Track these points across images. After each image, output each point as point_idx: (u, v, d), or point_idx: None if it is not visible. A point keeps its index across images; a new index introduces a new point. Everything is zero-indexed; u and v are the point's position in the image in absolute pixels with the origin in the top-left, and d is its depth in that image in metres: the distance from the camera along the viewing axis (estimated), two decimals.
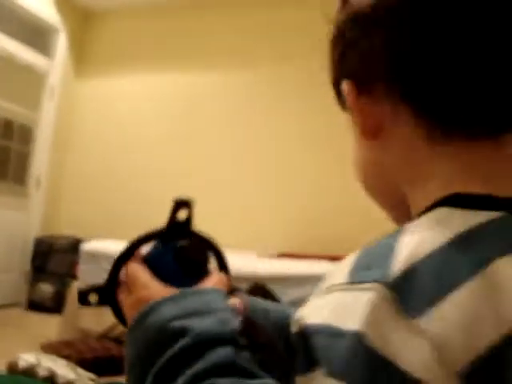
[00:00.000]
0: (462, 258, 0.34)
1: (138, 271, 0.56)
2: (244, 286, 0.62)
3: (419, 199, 0.46)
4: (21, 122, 4.79)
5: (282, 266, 3.12)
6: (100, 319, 3.06)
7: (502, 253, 0.34)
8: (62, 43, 5.08)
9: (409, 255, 0.35)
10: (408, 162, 0.47)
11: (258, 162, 4.47)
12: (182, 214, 0.61)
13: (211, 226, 4.51)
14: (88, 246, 3.65)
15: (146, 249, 0.61)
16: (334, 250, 3.57)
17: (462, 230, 0.36)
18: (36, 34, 4.85)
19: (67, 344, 2.59)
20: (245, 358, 0.43)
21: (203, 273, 0.59)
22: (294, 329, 0.40)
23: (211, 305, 0.48)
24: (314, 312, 0.39)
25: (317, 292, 0.41)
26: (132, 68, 5.09)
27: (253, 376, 0.42)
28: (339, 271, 0.39)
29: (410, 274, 0.34)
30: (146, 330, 0.47)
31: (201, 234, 0.63)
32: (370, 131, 0.48)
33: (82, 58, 5.34)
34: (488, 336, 0.31)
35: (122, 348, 0.52)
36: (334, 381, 0.34)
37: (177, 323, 0.46)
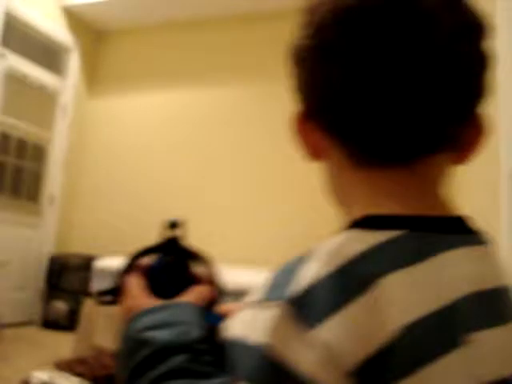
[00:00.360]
0: (356, 276, 0.40)
1: (132, 283, 0.65)
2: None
3: (351, 215, 0.52)
4: (34, 141, 4.84)
5: None
6: (114, 336, 3.06)
7: (390, 269, 0.41)
8: (74, 63, 5.15)
9: (309, 276, 0.41)
10: (340, 185, 0.55)
11: (265, 176, 4.47)
12: (177, 232, 0.70)
13: (223, 238, 4.48)
14: (100, 263, 3.67)
15: (150, 259, 0.70)
16: None
17: (360, 250, 0.42)
18: (49, 54, 4.92)
19: (80, 361, 2.58)
20: (203, 361, 0.50)
21: (188, 284, 0.66)
22: (222, 337, 0.47)
23: (178, 318, 0.56)
24: (234, 324, 0.45)
25: (242, 306, 0.47)
26: (144, 86, 5.14)
27: (208, 376, 0.48)
28: (258, 288, 0.45)
29: (308, 293, 0.40)
30: (126, 337, 0.56)
31: (192, 248, 0.71)
32: (311, 154, 0.56)
33: (94, 77, 5.40)
34: (374, 342, 0.38)
35: None
36: None
37: (146, 334, 0.54)
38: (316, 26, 0.51)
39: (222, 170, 4.64)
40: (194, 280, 0.68)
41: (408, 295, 0.40)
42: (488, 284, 0.46)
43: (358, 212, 0.50)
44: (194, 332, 0.53)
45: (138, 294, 0.63)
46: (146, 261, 0.69)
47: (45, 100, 4.92)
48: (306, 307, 0.39)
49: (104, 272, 3.58)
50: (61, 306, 4.64)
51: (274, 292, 0.42)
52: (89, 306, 3.48)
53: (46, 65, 4.87)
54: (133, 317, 0.58)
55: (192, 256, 0.70)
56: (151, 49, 5.18)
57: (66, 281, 4.67)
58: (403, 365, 0.38)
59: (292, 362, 0.38)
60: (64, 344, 3.78)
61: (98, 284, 3.57)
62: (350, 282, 0.40)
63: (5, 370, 3.03)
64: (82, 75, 5.26)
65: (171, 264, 0.69)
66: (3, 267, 4.06)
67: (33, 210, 4.88)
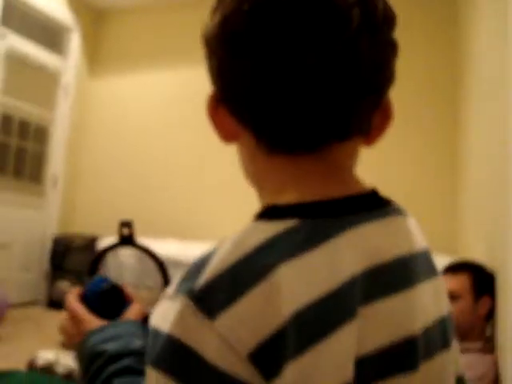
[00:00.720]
0: (252, 268, 0.43)
1: (76, 309, 0.75)
2: None
3: (263, 201, 0.56)
4: (36, 121, 4.82)
5: None
6: None
7: (284, 258, 0.43)
8: (75, 42, 5.10)
9: (212, 269, 0.44)
10: (253, 169, 0.57)
11: None
12: (126, 231, 0.91)
13: (223, 216, 4.47)
14: (104, 243, 3.68)
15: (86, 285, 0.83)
16: None
17: (258, 242, 0.45)
18: (49, 34, 4.88)
19: None
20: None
21: (122, 305, 0.81)
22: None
23: (122, 332, 0.68)
24: (153, 315, 0.49)
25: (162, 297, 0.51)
26: (145, 66, 5.10)
27: None
28: (175, 280, 0.48)
29: (208, 287, 0.43)
30: (82, 353, 0.69)
31: (143, 246, 0.88)
32: (224, 137, 0.56)
33: (95, 57, 5.37)
34: (266, 329, 0.41)
35: None
36: (154, 371, 0.44)
37: (98, 347, 0.66)
38: (223, 14, 0.52)
39: (222, 147, 4.61)
40: (125, 300, 0.83)
41: (299, 282, 0.43)
42: (388, 255, 0.48)
43: (267, 198, 0.55)
44: (138, 341, 0.67)
45: (84, 317, 0.74)
46: (81, 289, 0.82)
47: (46, 80, 4.89)
48: (207, 300, 0.43)
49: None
50: (65, 287, 4.67)
51: (183, 285, 0.45)
52: None
53: (46, 45, 4.83)
54: (86, 336, 0.70)
55: (146, 252, 0.88)
56: (152, 28, 5.13)
57: (69, 261, 4.69)
58: (294, 346, 0.41)
59: (194, 349, 0.42)
60: None
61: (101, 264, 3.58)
62: (246, 273, 0.43)
63: (11, 349, 3.06)
64: (82, 55, 5.22)
65: (104, 291, 0.81)
66: (7, 248, 4.08)
67: (36, 191, 4.89)
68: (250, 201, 5.00)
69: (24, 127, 4.71)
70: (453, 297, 1.77)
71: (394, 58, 0.53)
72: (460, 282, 1.80)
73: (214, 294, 0.43)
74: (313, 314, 0.42)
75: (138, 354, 0.64)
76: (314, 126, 0.50)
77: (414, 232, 0.54)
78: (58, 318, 4.29)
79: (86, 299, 0.79)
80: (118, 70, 5.25)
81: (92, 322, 0.73)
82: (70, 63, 5.07)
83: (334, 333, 0.43)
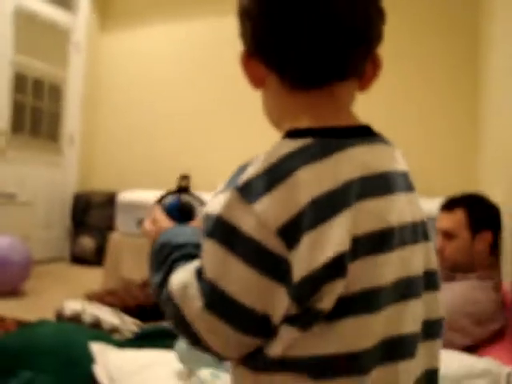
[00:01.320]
0: (279, 170, 0.60)
1: (157, 214, 0.97)
2: None
3: (284, 129, 0.70)
4: (50, 80, 4.81)
5: None
6: (141, 268, 3.14)
7: (302, 164, 0.61)
8: None
9: (250, 172, 0.61)
10: (275, 107, 0.75)
11: None
12: (184, 183, 1.23)
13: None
14: (123, 197, 3.72)
15: (168, 200, 1.10)
16: None
17: (284, 153, 0.62)
18: None
19: (110, 293, 2.65)
20: None
21: (192, 217, 1.07)
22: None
23: (188, 231, 0.85)
24: (208, 205, 0.66)
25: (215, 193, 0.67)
26: (156, 18, 5.02)
27: None
28: (225, 181, 0.65)
29: (250, 183, 0.60)
30: (154, 247, 0.84)
31: (195, 194, 1.15)
32: (254, 84, 0.75)
33: (106, 11, 5.29)
34: (291, 210, 0.58)
35: None
36: (207, 242, 0.63)
37: (167, 239, 0.81)
38: None
39: (238, 96, 4.56)
40: (192, 215, 1.08)
41: (313, 180, 0.60)
42: (376, 169, 0.65)
43: (287, 126, 0.70)
44: (199, 239, 0.74)
45: (162, 220, 0.93)
46: (168, 200, 1.10)
47: (57, 38, 4.85)
48: (247, 191, 0.60)
49: (127, 206, 3.63)
50: (87, 242, 4.76)
51: (230, 183, 0.63)
52: (115, 241, 3.56)
53: (55, 1, 4.76)
54: (161, 233, 0.86)
55: (196, 198, 1.12)
56: None
57: (90, 217, 4.76)
58: (310, 223, 0.58)
59: (236, 225, 0.60)
60: (92, 278, 3.89)
61: (122, 218, 3.63)
62: (276, 174, 0.60)
63: (38, 303, 3.15)
64: (93, 10, 5.14)
65: (180, 204, 1.08)
66: (30, 207, 4.14)
67: (53, 149, 4.93)
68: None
69: (38, 86, 4.71)
70: (449, 235, 1.74)
71: (381, 22, 0.71)
72: (455, 220, 1.74)
73: (253, 187, 0.60)
74: (322, 201, 0.59)
75: (198, 246, 0.72)
76: (321, 66, 0.68)
77: (398, 158, 0.71)
78: (83, 272, 4.40)
79: (165, 211, 1.04)
80: (130, 23, 5.18)
81: (167, 223, 0.92)
82: (80, 19, 5.01)
83: (337, 216, 0.59)
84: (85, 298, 2.56)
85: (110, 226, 4.44)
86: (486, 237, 1.72)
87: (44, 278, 4.05)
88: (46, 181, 4.79)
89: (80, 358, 1.66)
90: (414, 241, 0.69)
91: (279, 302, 0.60)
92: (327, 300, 0.58)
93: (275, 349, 0.61)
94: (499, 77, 2.68)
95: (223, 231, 0.61)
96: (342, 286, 0.59)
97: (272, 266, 0.59)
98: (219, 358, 0.67)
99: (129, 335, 2.08)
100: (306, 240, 0.58)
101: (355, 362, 0.60)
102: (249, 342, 0.63)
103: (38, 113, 4.73)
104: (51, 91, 4.86)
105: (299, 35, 0.66)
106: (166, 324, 1.88)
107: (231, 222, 0.60)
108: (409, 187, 0.72)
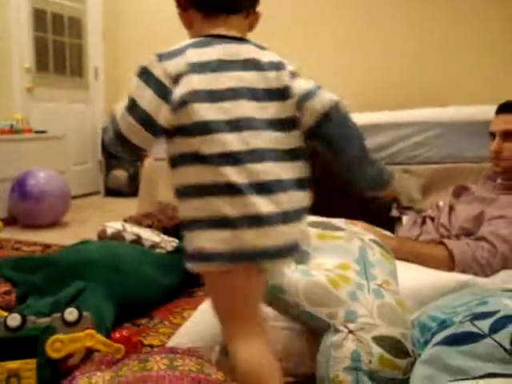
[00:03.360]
0: (177, 49, 0.98)
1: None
2: None
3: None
4: (68, 13, 4.77)
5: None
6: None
7: (191, 48, 0.98)
8: None
9: (167, 49, 0.98)
10: (195, 27, 1.06)
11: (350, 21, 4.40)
12: None
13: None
14: None
15: None
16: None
17: (186, 42, 1.00)
18: None
19: (147, 215, 2.73)
20: None
21: None
22: None
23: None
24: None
25: None
26: None
27: None
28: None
29: (164, 53, 0.97)
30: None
31: None
32: (186, 25, 1.09)
33: None
34: (180, 67, 0.95)
35: None
36: (135, 78, 0.98)
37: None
38: None
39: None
40: None
41: (195, 54, 0.96)
42: (242, 55, 1.00)
43: (194, 36, 1.04)
44: None
45: None
46: None
47: None
48: (162, 57, 0.96)
49: None
50: (121, 174, 4.86)
51: (155, 56, 0.97)
52: (148, 167, 3.62)
53: None
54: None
55: None
56: None
57: None
58: (186, 74, 0.95)
59: (152, 71, 0.95)
60: (129, 208, 3.99)
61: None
62: (177, 51, 0.97)
63: (79, 231, 3.27)
64: None
65: None
66: (61, 142, 4.21)
67: (79, 84, 4.95)
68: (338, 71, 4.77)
69: (57, 20, 4.67)
70: (510, 135, 1.79)
71: None
72: None
73: (164, 55, 0.96)
74: (198, 64, 0.96)
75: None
76: (220, 4, 1.03)
77: (268, 54, 1.03)
78: (119, 202, 4.51)
79: None
80: None
81: None
82: None
83: (200, 74, 0.96)
84: (123, 221, 2.63)
85: (141, 156, 4.50)
86: None
87: (83, 210, 4.18)
88: (75, 116, 4.85)
89: (125, 267, 1.77)
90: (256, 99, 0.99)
91: (162, 112, 0.95)
92: (184, 117, 0.95)
93: (169, 150, 0.99)
94: None
95: (144, 73, 0.96)
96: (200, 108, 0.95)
97: (164, 93, 0.94)
98: (135, 152, 1.01)
99: (170, 249, 2.16)
100: (182, 82, 0.94)
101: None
102: (144, 134, 0.96)
103: (60, 48, 4.72)
104: (71, 25, 4.83)
105: None
106: None
107: (149, 69, 0.96)
108: (273, 69, 1.01)
